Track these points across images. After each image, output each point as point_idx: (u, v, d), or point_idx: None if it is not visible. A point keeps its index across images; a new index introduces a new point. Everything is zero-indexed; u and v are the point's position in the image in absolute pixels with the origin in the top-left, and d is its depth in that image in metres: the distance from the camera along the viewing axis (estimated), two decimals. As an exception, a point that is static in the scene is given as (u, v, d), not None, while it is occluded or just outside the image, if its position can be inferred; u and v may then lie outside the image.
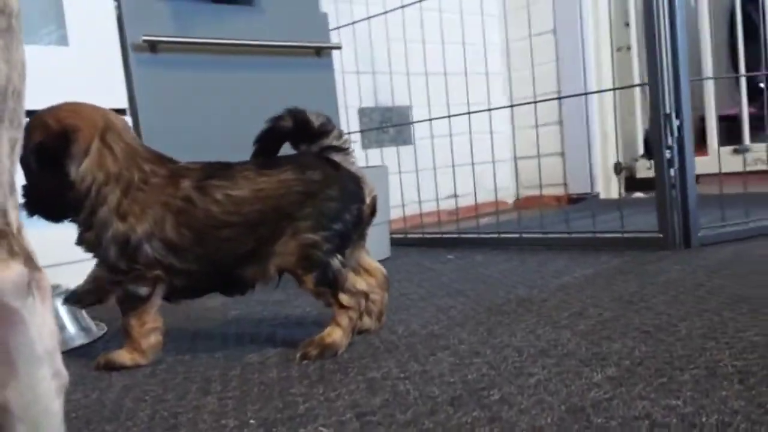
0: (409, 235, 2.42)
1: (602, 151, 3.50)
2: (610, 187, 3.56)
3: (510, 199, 3.67)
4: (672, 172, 1.80)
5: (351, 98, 2.77)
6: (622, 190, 3.62)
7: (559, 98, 2.41)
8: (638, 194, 3.53)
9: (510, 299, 1.39)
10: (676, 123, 1.78)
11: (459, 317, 1.28)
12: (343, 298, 1.11)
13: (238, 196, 1.11)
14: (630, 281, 1.47)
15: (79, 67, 1.86)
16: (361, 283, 1.15)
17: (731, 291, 1.30)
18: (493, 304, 1.36)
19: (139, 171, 1.11)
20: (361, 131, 2.80)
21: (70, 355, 1.28)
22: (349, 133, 2.61)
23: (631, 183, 3.62)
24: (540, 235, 2.11)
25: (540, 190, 2.76)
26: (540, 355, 1.00)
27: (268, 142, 1.19)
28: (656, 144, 1.81)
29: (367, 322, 1.21)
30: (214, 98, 2.13)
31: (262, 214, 1.11)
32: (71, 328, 1.37)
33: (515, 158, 2.51)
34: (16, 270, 0.52)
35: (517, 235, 2.13)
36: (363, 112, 2.89)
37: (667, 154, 1.79)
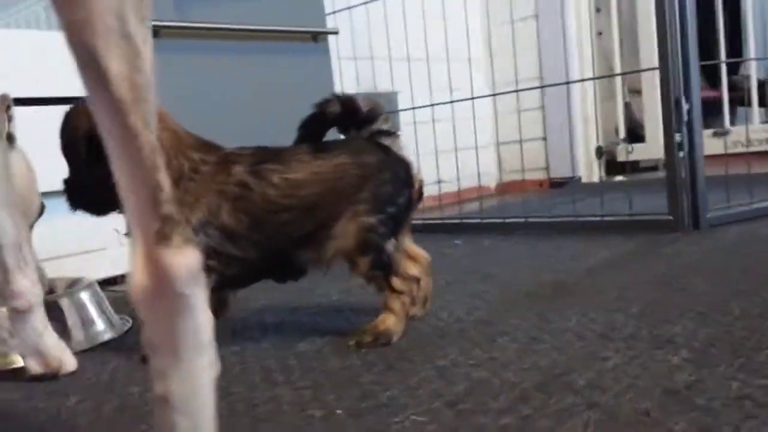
0: (409, 221, 2.40)
1: (584, 136, 3.53)
2: (591, 171, 3.61)
3: (492, 184, 3.69)
4: (681, 154, 1.82)
5: (346, 84, 2.74)
6: (603, 174, 3.68)
7: (567, 83, 2.42)
8: (619, 178, 3.58)
9: (542, 283, 1.40)
10: (685, 107, 1.80)
11: (499, 302, 1.28)
12: (396, 282, 1.10)
13: (295, 179, 1.09)
14: (654, 263, 1.49)
15: (79, 52, 1.79)
16: (412, 268, 1.14)
17: (761, 271, 1.32)
18: (529, 289, 1.36)
19: (187, 160, 1.08)
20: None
21: (105, 349, 1.25)
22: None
23: (612, 167, 3.68)
24: (546, 220, 2.13)
25: (543, 174, 2.77)
26: (603, 339, 1.00)
27: (313, 127, 1.16)
28: (666, 127, 1.83)
29: (413, 308, 1.20)
30: (213, 83, 2.08)
31: (319, 197, 1.09)
32: (99, 322, 1.33)
33: (519, 142, 2.50)
34: (191, 256, 0.50)
35: (522, 220, 2.14)
36: (353, 98, 2.86)
37: (677, 137, 1.81)
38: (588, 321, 1.10)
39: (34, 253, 1.23)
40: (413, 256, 1.20)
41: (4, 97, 1.10)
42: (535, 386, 0.84)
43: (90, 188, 1.09)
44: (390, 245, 1.11)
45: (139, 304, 0.52)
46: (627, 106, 3.83)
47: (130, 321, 1.40)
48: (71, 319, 1.28)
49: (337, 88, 2.50)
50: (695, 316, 1.06)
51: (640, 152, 3.55)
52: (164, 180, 0.52)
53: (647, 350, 0.93)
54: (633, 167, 3.63)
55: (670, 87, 1.80)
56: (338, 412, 0.83)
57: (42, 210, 1.31)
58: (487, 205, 2.64)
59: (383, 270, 1.10)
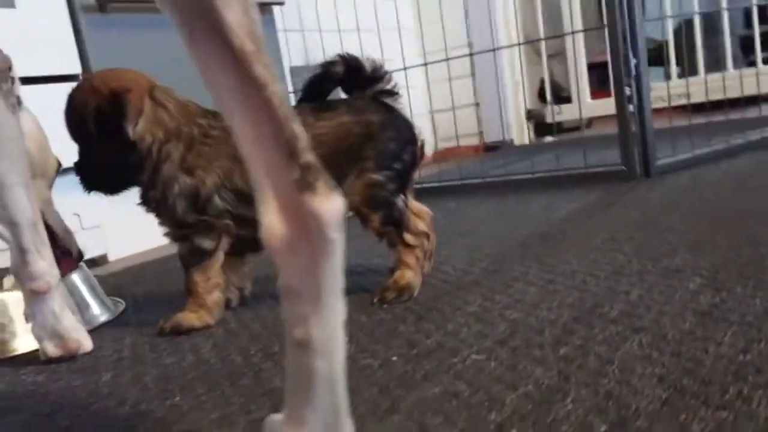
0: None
1: (514, 100, 3.63)
2: (522, 134, 3.72)
3: (429, 151, 3.74)
4: (631, 108, 1.92)
5: (293, 57, 2.71)
6: (533, 136, 3.80)
7: (519, 44, 2.48)
8: (549, 138, 3.71)
9: (528, 235, 1.45)
10: (633, 62, 1.89)
11: (496, 254, 1.33)
12: (409, 237, 1.13)
13: None
14: (624, 209, 1.58)
15: (27, 30, 1.72)
16: (421, 224, 1.17)
17: (723, 208, 1.43)
18: (518, 240, 1.42)
19: (197, 126, 1.09)
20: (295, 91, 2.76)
21: (106, 330, 1.23)
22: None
23: (541, 128, 3.80)
24: (504, 178, 2.19)
25: (478, 139, 2.83)
26: (617, 276, 1.06)
27: (318, 88, 1.17)
28: (616, 82, 1.92)
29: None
30: (163, 58, 2.03)
31: (325, 158, 1.10)
32: (94, 305, 1.30)
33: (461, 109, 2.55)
34: (338, 202, 0.51)
35: (480, 180, 2.20)
36: (294, 72, 2.85)
37: (627, 91, 1.90)
38: (591, 262, 1.16)
39: (58, 215, 1.20)
40: (417, 213, 1.23)
41: (5, 57, 1.05)
42: (573, 320, 0.90)
43: (103, 167, 1.07)
44: (400, 201, 1.14)
45: (279, 252, 0.52)
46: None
47: (123, 303, 1.38)
48: (66, 302, 1.25)
49: (285, 62, 2.48)
50: (688, 251, 1.14)
51: (566, 113, 3.68)
52: (298, 128, 0.52)
53: (661, 281, 1.00)
54: (559, 128, 3.76)
55: (618, 43, 1.88)
56: (394, 359, 0.86)
57: (59, 167, 1.26)
58: (432, 170, 2.68)
59: (395, 225, 1.13)
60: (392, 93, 1.18)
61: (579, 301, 0.97)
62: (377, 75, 1.17)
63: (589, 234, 1.37)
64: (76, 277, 1.30)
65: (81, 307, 1.27)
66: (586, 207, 1.67)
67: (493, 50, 2.58)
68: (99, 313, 1.30)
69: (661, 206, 1.55)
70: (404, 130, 1.17)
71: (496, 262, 1.26)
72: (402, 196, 1.15)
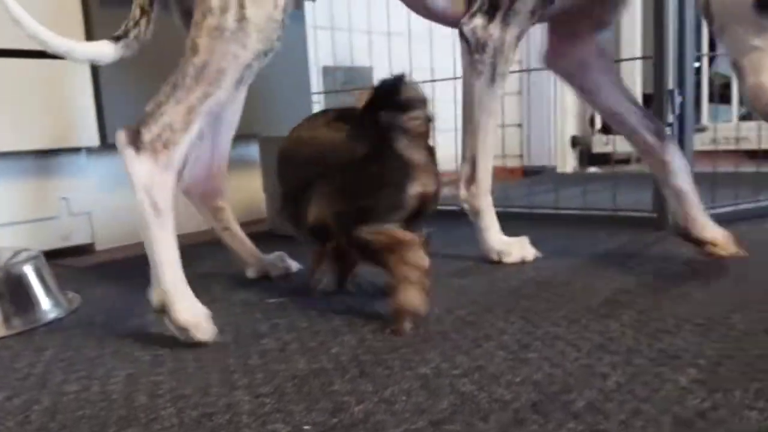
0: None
1: (560, 125, 3.46)
2: (565, 161, 3.54)
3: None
4: (671, 150, 1.74)
5: (321, 55, 2.61)
6: (577, 165, 3.61)
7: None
8: (594, 169, 3.52)
9: (525, 281, 1.30)
10: (678, 100, 1.72)
11: (483, 301, 1.18)
12: None
13: None
14: (643, 265, 1.41)
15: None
16: None
17: (758, 279, 1.25)
18: (512, 287, 1.27)
19: None
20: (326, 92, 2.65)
21: (45, 331, 1.13)
22: (316, 93, 2.46)
23: (588, 158, 3.61)
24: (525, 210, 2.04)
25: (518, 161, 2.68)
26: (600, 351, 0.91)
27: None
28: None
29: None
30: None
31: None
32: (45, 301, 1.20)
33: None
34: None
35: (501, 209, 2.04)
36: (327, 71, 2.74)
37: (668, 131, 1.73)
38: (579, 328, 1.01)
39: None
40: None
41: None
42: (529, 406, 0.75)
43: None
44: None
45: None
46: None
47: (79, 297, 1.28)
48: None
49: (311, 59, 2.37)
50: (695, 329, 0.98)
51: (614, 144, 3.49)
52: None
53: (650, 367, 0.84)
54: (606, 159, 3.57)
55: (664, 77, 1.71)
56: (305, 428, 0.72)
57: None
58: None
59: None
60: None
61: (546, 379, 0.82)
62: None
63: (592, 290, 1.21)
64: (28, 269, 1.21)
65: (32, 303, 1.18)
66: (602, 255, 1.50)
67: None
68: (49, 309, 1.20)
69: (686, 266, 1.38)
70: None
71: (477, 313, 1.11)
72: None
